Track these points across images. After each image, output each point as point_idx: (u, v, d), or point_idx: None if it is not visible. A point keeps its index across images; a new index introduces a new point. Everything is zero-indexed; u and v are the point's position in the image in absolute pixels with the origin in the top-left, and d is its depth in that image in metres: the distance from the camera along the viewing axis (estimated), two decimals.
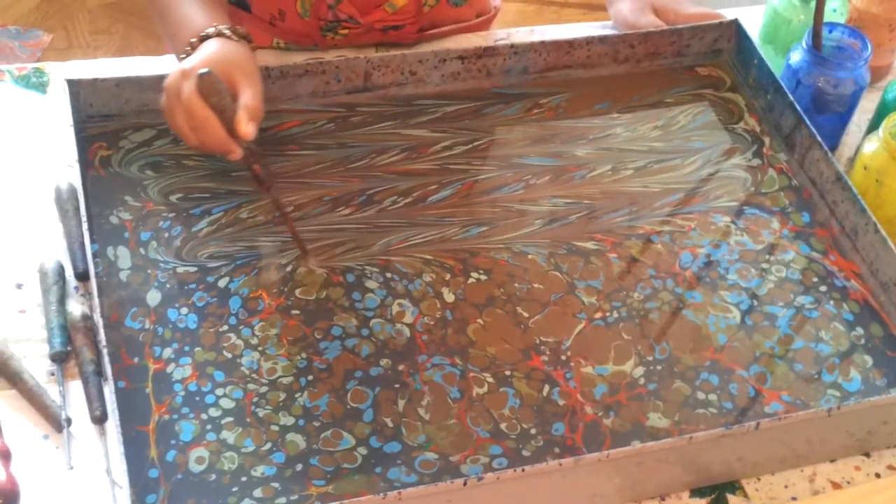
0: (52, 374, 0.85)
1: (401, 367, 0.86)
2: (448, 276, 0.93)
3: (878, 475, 0.86)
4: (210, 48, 0.92)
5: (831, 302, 0.95)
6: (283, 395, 0.83)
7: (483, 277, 0.93)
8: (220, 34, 0.94)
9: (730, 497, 0.84)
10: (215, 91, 0.88)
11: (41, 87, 1.07)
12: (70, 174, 0.96)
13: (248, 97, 0.90)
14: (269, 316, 0.89)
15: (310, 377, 0.85)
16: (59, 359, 0.85)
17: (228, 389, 0.83)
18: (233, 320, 0.88)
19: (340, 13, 1.13)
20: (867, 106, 1.12)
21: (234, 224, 0.95)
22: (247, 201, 0.97)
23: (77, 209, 0.93)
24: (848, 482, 0.86)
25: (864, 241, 0.97)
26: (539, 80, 1.11)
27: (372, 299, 0.91)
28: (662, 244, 0.98)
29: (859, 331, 0.93)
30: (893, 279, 0.93)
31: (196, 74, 0.88)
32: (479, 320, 0.90)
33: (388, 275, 0.92)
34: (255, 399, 0.83)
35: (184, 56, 0.94)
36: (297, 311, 0.89)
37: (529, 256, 0.96)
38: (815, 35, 1.04)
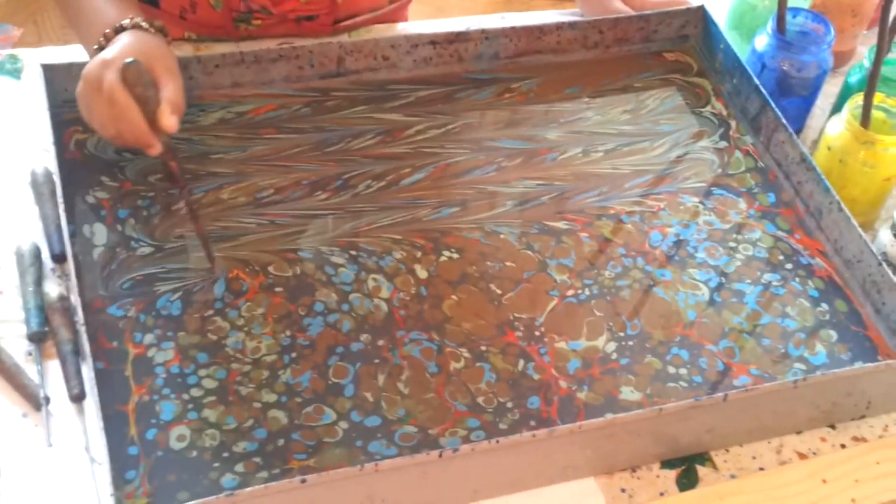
0: (30, 354, 0.85)
1: (380, 343, 0.87)
2: (419, 254, 0.94)
3: (843, 446, 0.89)
4: (128, 40, 0.91)
5: (797, 279, 0.97)
6: (266, 373, 0.84)
7: (455, 256, 0.95)
8: (136, 26, 0.93)
9: (699, 468, 0.86)
10: (140, 81, 0.87)
11: (15, 73, 1.07)
12: (46, 158, 0.96)
13: (171, 90, 0.89)
14: (254, 296, 0.89)
15: (293, 354, 0.86)
16: (36, 339, 0.85)
17: (212, 370, 0.84)
18: (218, 304, 0.89)
19: (253, 3, 1.12)
20: (831, 91, 1.15)
21: (214, 204, 0.95)
22: (227, 182, 0.97)
23: (53, 192, 0.93)
24: (814, 453, 0.88)
25: (828, 219, 0.99)
26: (510, 65, 1.13)
27: (346, 273, 0.92)
28: (632, 224, 1.00)
29: (824, 306, 0.95)
30: (857, 256, 0.96)
31: (122, 64, 0.87)
32: (454, 296, 0.92)
33: (353, 252, 0.94)
34: (238, 378, 0.84)
35: (97, 47, 0.92)
36: (280, 289, 0.90)
37: (501, 236, 0.97)
38: (780, 20, 1.07)
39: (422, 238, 0.96)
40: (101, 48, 0.92)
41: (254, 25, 1.15)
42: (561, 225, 0.99)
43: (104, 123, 0.89)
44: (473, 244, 0.96)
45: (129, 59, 0.87)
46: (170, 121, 0.89)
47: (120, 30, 0.93)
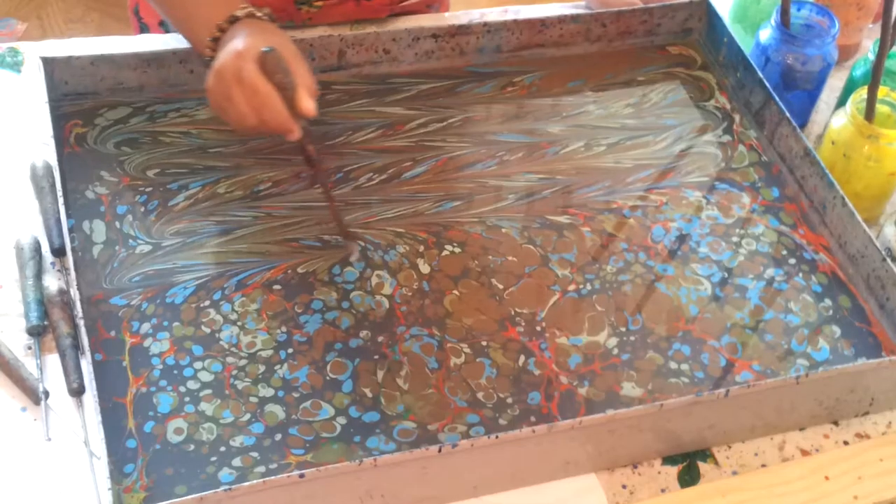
0: (30, 348, 0.85)
1: (380, 339, 0.87)
2: (422, 248, 0.94)
3: (846, 443, 0.88)
4: (248, 29, 0.91)
5: (800, 274, 0.97)
6: (262, 368, 0.84)
7: (457, 250, 0.94)
8: (249, 15, 0.93)
9: (701, 464, 0.85)
10: (279, 68, 0.87)
11: (16, 66, 1.06)
12: (45, 152, 0.96)
13: (303, 74, 0.89)
14: (251, 291, 0.89)
15: (290, 350, 0.86)
16: (35, 333, 0.85)
17: (207, 363, 0.84)
18: (217, 295, 0.88)
19: None
20: (836, 84, 1.14)
21: (211, 199, 0.95)
22: (224, 176, 0.97)
23: (53, 186, 0.93)
24: (817, 450, 0.87)
25: (832, 214, 0.99)
26: (512, 58, 1.12)
27: (351, 272, 0.91)
28: (635, 219, 0.99)
29: (828, 302, 0.95)
30: (860, 252, 0.95)
31: (258, 53, 0.86)
32: (455, 291, 0.91)
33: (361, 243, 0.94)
34: (234, 372, 0.84)
35: (212, 39, 0.92)
36: (278, 287, 0.90)
37: (503, 230, 0.97)
38: (784, 13, 1.06)
39: (423, 232, 0.95)
40: (216, 39, 0.91)
41: (315, 7, 1.14)
42: (563, 219, 0.98)
43: (245, 114, 0.87)
44: (475, 238, 0.95)
45: (266, 48, 0.86)
46: (309, 105, 0.88)
47: (233, 20, 0.92)
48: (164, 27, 1.17)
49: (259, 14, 0.93)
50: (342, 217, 0.94)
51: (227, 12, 0.91)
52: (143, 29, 1.20)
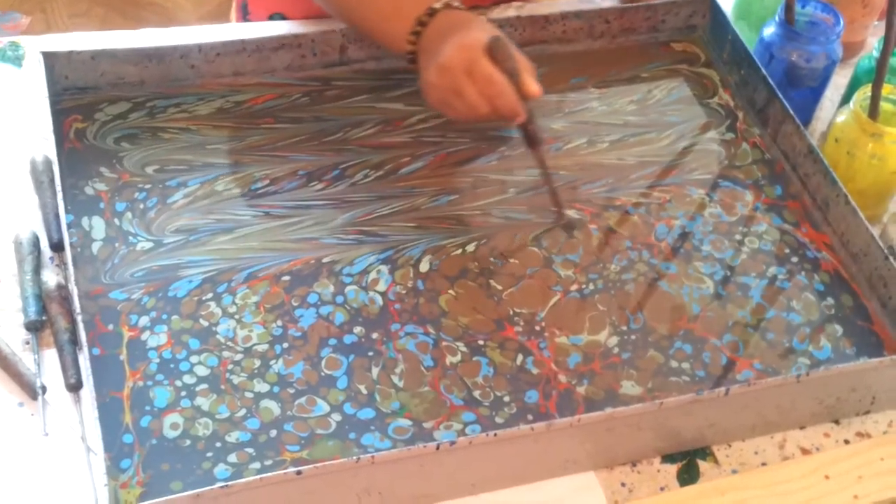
0: (28, 343, 0.85)
1: (374, 335, 0.87)
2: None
3: (846, 441, 0.87)
4: (453, 21, 0.92)
5: (803, 273, 0.96)
6: (257, 363, 0.84)
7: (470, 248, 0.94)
8: (447, 6, 0.94)
9: (700, 463, 0.85)
10: (507, 55, 0.89)
11: (17, 60, 1.06)
12: (45, 146, 0.96)
13: (520, 57, 0.91)
14: (257, 284, 0.89)
15: (285, 344, 0.85)
16: (33, 328, 0.85)
17: (203, 357, 0.84)
18: (221, 287, 0.88)
19: None
20: (840, 82, 1.13)
21: (210, 196, 0.95)
22: (223, 174, 0.97)
23: (52, 181, 0.93)
24: (817, 448, 0.87)
25: (834, 212, 0.98)
26: None
27: (351, 267, 0.91)
28: (639, 216, 0.99)
29: (830, 301, 0.94)
30: (864, 250, 0.95)
31: (485, 43, 0.89)
32: (451, 291, 0.91)
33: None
34: (230, 366, 0.83)
35: (412, 34, 0.94)
36: (287, 278, 0.89)
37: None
38: (788, 9, 1.05)
39: (445, 224, 0.95)
40: (417, 34, 0.93)
41: None
42: (571, 213, 0.97)
43: (477, 105, 0.90)
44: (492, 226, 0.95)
45: (495, 36, 0.89)
46: (535, 86, 0.91)
47: (432, 13, 0.93)
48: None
49: (455, 3, 0.94)
50: (559, 194, 0.95)
51: (426, 5, 0.93)
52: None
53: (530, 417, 0.83)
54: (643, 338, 0.89)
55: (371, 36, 1.01)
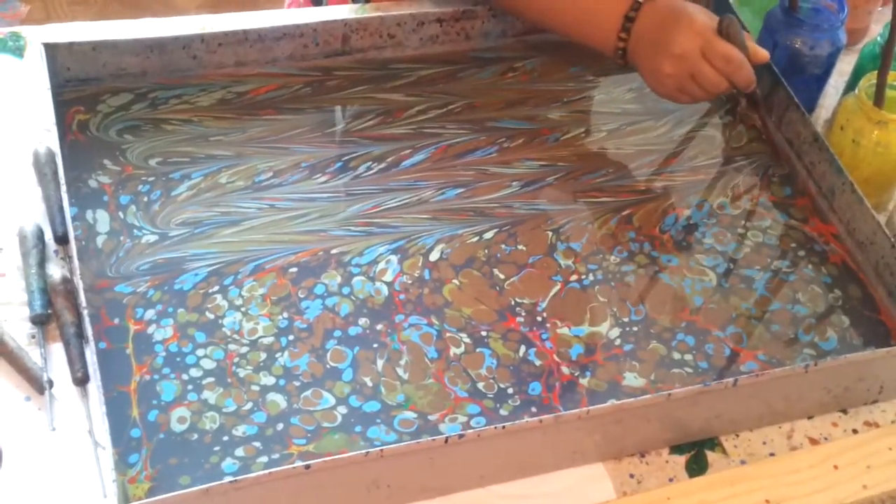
0: (34, 337, 0.85)
1: (379, 327, 0.87)
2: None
3: (855, 431, 0.87)
4: (661, 11, 0.96)
5: (810, 266, 0.96)
6: (263, 356, 0.84)
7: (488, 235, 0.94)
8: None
9: (708, 453, 0.85)
10: (738, 32, 0.95)
11: (18, 51, 1.06)
12: (48, 138, 0.96)
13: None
14: (264, 276, 0.89)
15: (290, 337, 0.85)
16: (39, 321, 0.85)
17: (209, 350, 0.84)
18: (228, 280, 0.88)
19: None
20: (844, 69, 1.13)
21: (213, 189, 0.95)
22: (226, 166, 0.96)
23: (55, 173, 0.93)
24: (825, 438, 0.87)
25: (840, 201, 0.98)
26: (517, 43, 1.11)
27: (357, 258, 0.91)
28: (643, 205, 0.98)
29: (837, 292, 0.94)
30: (870, 238, 0.94)
31: (714, 25, 0.95)
32: (455, 280, 0.90)
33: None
34: (236, 359, 0.83)
35: (623, 31, 0.97)
36: (294, 269, 0.89)
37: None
38: None
39: (464, 215, 0.95)
40: (628, 30, 0.98)
41: None
42: (578, 206, 0.97)
43: (717, 83, 0.96)
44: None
45: (729, 16, 0.95)
46: (763, 51, 0.99)
47: (637, 7, 0.97)
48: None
49: None
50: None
51: (627, 1, 0.97)
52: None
53: (534, 409, 0.83)
54: (645, 329, 0.89)
55: (574, 38, 1.03)
